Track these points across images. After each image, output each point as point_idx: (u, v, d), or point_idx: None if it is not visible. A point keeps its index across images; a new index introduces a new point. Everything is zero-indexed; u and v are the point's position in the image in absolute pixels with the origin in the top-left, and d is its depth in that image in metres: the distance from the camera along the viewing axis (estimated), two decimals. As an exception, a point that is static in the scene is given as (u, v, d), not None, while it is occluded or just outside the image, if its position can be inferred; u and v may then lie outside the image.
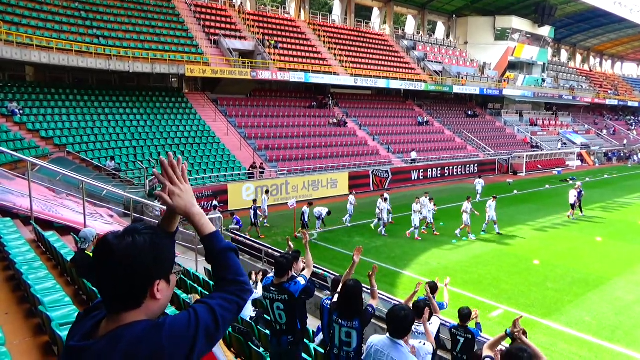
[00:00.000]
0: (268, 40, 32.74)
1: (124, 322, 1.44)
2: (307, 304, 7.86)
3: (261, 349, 5.53)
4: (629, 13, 55.03)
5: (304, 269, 5.46)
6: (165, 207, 1.74)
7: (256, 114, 30.21)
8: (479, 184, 25.32)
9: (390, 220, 19.00)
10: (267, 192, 20.78)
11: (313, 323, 7.25)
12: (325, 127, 32.06)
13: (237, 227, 16.97)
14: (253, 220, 17.53)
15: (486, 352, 4.02)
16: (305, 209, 17.81)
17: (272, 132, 29.00)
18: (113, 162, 20.81)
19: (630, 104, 63.98)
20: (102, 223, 10.72)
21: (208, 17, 32.03)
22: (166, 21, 29.30)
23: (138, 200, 14.72)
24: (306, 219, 17.62)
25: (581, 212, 21.47)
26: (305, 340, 5.40)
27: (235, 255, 1.71)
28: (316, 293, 9.26)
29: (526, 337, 3.98)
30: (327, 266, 12.58)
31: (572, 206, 21.17)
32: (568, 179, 33.51)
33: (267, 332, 5.67)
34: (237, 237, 14.62)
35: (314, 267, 10.37)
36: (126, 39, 26.17)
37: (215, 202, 18.89)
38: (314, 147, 29.18)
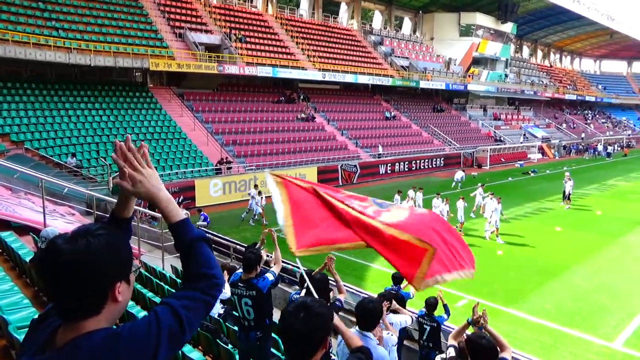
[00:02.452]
0: (235, 34, 32.33)
1: (82, 331, 1.33)
2: (276, 299, 7.87)
3: (229, 346, 5.50)
4: (586, 10, 57.08)
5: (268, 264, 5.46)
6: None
7: (223, 109, 29.82)
8: (459, 174, 27.24)
9: None
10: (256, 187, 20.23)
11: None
12: (293, 122, 31.98)
13: (205, 223, 16.75)
14: (260, 211, 18.38)
15: (451, 341, 4.15)
16: None
17: (240, 127, 28.72)
18: (74, 158, 20.16)
19: (587, 98, 66.55)
20: (64, 222, 10.39)
21: (173, 9, 31.33)
22: (129, 13, 28.49)
23: (101, 198, 14.34)
24: None
25: (569, 200, 22.45)
26: (273, 335, 5.40)
27: (206, 245, 1.58)
28: (285, 288, 9.28)
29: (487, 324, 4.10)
30: (295, 260, 12.58)
31: (568, 196, 22.22)
32: (530, 172, 34.63)
33: (236, 328, 5.64)
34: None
35: (283, 261, 10.36)
36: (87, 32, 25.31)
37: (180, 199, 18.61)
38: (282, 142, 29.08)
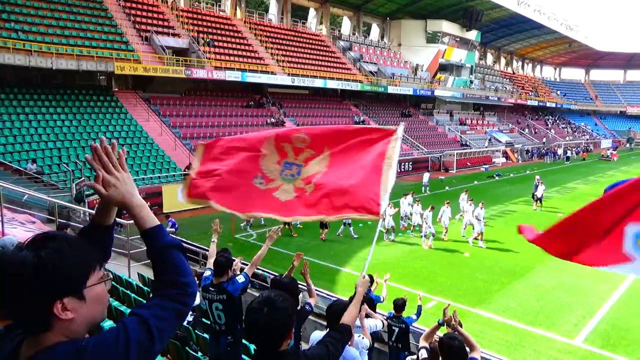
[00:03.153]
0: (203, 38, 32.00)
1: (43, 345, 1.27)
2: (245, 305, 7.79)
3: (199, 354, 5.41)
4: (547, 20, 59.20)
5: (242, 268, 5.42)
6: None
7: (191, 114, 29.43)
8: (426, 177, 27.88)
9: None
10: None
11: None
12: (262, 127, 31.84)
13: (173, 230, 16.45)
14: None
15: (422, 343, 4.22)
16: None
17: (209, 132, 28.37)
18: (35, 164, 19.46)
19: (548, 104, 68.95)
20: (23, 230, 10.00)
21: (139, 12, 30.75)
22: (93, 16, 27.78)
23: (63, 205, 13.90)
24: None
25: (537, 202, 23.21)
26: (244, 341, 5.35)
27: (180, 253, 1.54)
28: (255, 293, 9.19)
29: (461, 327, 4.20)
30: (267, 266, 12.50)
31: (539, 199, 22.97)
32: (494, 175, 35.55)
33: (206, 336, 5.57)
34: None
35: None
36: (48, 34, 24.52)
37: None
38: (252, 147, 28.85)
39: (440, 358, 3.86)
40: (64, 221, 12.01)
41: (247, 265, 5.60)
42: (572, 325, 10.31)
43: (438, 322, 4.49)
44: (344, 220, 17.21)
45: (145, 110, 27.30)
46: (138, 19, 30.09)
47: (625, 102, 77.01)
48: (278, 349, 2.01)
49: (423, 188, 27.24)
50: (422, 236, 16.52)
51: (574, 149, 54.67)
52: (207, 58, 30.27)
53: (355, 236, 17.23)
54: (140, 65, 26.16)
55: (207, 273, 5.09)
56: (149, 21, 30.45)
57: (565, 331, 10.03)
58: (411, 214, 18.04)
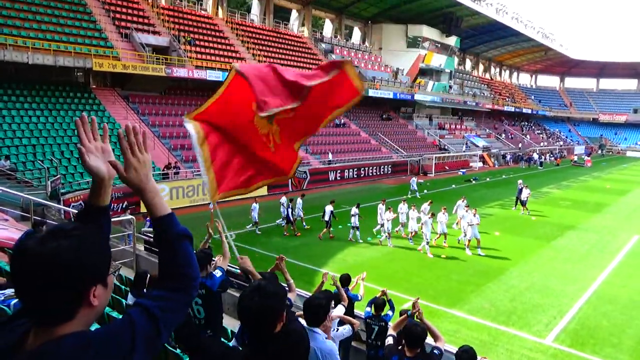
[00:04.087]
0: (184, 37, 31.76)
1: (53, 336, 1.25)
2: (226, 305, 7.81)
3: (178, 350, 5.43)
4: (524, 28, 60.62)
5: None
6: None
7: (171, 113, 29.16)
8: (413, 182, 27.85)
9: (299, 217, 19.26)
10: (302, 195, 19.83)
11: (232, 323, 7.22)
12: (243, 127, 31.71)
13: (150, 229, 16.29)
14: (290, 218, 17.98)
15: (390, 331, 4.50)
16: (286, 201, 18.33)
17: (188, 132, 28.09)
18: (8, 161, 19.05)
19: (524, 110, 70.49)
20: (-3, 227, 9.80)
21: (119, 9, 30.35)
22: (71, 11, 27.31)
23: (38, 202, 13.66)
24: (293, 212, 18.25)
25: (522, 207, 23.60)
26: (223, 340, 5.39)
27: (190, 244, 1.52)
28: (234, 293, 9.22)
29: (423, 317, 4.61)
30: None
31: (523, 203, 23.31)
32: (471, 179, 36.18)
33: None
34: (151, 239, 14.06)
35: (233, 267, 10.30)
36: (24, 28, 24.00)
37: (124, 204, 18.02)
38: (232, 147, 28.74)
39: (403, 342, 4.20)
40: (39, 219, 11.82)
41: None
42: (543, 325, 10.62)
43: (407, 313, 4.77)
44: (351, 225, 17.30)
45: (123, 108, 26.94)
46: (118, 16, 29.70)
47: (597, 109, 79.25)
48: (272, 331, 2.10)
49: (410, 193, 27.18)
50: (425, 244, 15.95)
51: (548, 154, 56.02)
52: (188, 57, 30.05)
53: (360, 240, 17.29)
54: (120, 62, 25.82)
55: (219, 274, 5.10)
56: (129, 18, 30.07)
57: (537, 331, 10.33)
58: (407, 220, 17.80)
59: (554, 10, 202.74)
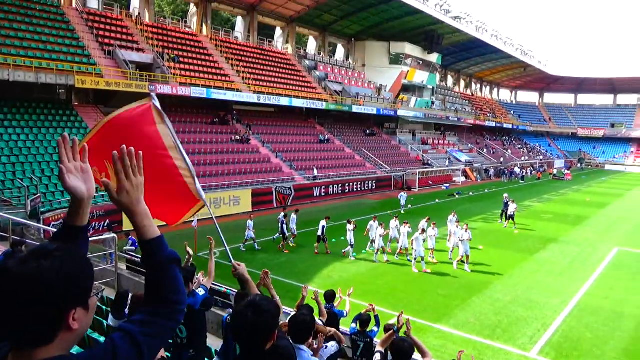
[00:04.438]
0: (168, 54, 31.77)
1: None
2: (210, 324, 7.71)
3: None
4: (503, 45, 62.03)
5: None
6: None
7: (155, 129, 28.95)
8: (402, 197, 27.66)
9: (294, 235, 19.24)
10: (297, 211, 19.79)
11: (216, 343, 7.12)
12: (227, 144, 31.71)
13: (133, 248, 16.05)
14: (285, 233, 18.07)
15: (378, 348, 4.50)
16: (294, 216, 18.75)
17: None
18: (-13, 180, 18.67)
19: (505, 125, 71.78)
20: (-26, 248, 9.58)
21: (102, 26, 30.28)
22: (54, 28, 27.16)
23: (17, 222, 13.39)
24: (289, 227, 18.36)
25: (509, 221, 23.74)
26: (206, 359, 5.32)
27: (178, 267, 1.51)
28: (218, 312, 9.12)
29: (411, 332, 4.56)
30: (230, 284, 12.40)
31: (512, 217, 23.49)
32: (455, 193, 36.55)
33: (167, 354, 5.49)
34: (133, 259, 13.85)
35: (217, 285, 10.19)
36: (6, 45, 23.76)
37: (106, 223, 17.76)
38: (215, 164, 28.68)
39: (390, 358, 4.23)
40: (18, 238, 11.57)
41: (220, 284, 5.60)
42: (527, 338, 10.69)
43: (394, 329, 4.76)
44: (349, 241, 17.20)
45: (106, 125, 26.67)
46: (101, 33, 29.62)
47: (576, 124, 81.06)
48: (263, 349, 2.10)
49: (402, 209, 27.10)
50: (412, 260, 15.96)
51: (529, 168, 56.98)
52: (172, 74, 30.04)
53: (353, 258, 17.22)
54: (103, 79, 25.68)
55: (202, 292, 5.06)
56: (113, 35, 30.02)
57: (522, 344, 10.39)
58: (398, 236, 17.68)
59: (533, 27, 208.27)
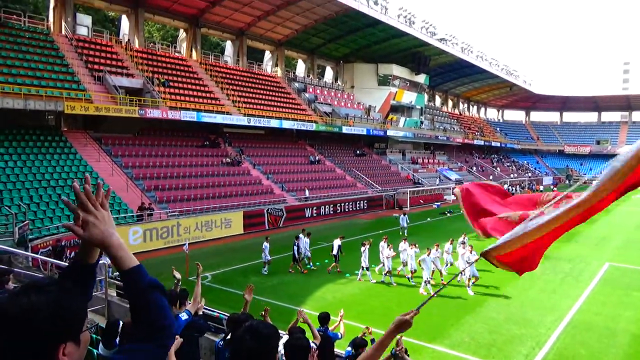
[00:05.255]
0: (158, 79, 31.95)
1: None
2: (202, 349, 7.58)
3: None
4: (488, 65, 63.28)
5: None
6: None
7: (144, 154, 28.94)
8: (403, 219, 26.74)
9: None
10: (308, 234, 19.42)
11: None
12: (218, 167, 31.70)
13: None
14: (296, 256, 17.82)
15: None
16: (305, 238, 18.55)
17: (162, 172, 27.93)
18: (-26, 207, 18.41)
19: (493, 144, 72.67)
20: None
21: (92, 52, 30.47)
22: (43, 55, 27.27)
23: (4, 250, 13.17)
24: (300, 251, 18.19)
25: None
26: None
27: (160, 294, 1.51)
28: (211, 337, 8.98)
29: (407, 355, 4.51)
30: (223, 309, 12.23)
31: None
32: (446, 212, 36.67)
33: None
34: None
35: (210, 310, 10.06)
36: (-6, 72, 23.80)
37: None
38: (206, 186, 28.60)
39: None
40: (5, 267, 11.37)
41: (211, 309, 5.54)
42: (522, 357, 10.63)
43: (391, 352, 4.71)
44: (363, 262, 16.80)
45: (96, 151, 26.63)
46: (91, 59, 29.78)
47: (562, 141, 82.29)
48: None
49: (402, 231, 25.97)
50: (424, 282, 15.67)
51: (517, 186, 57.49)
52: (162, 98, 30.16)
53: (373, 281, 16.85)
54: (92, 104, 25.70)
55: (184, 317, 5.00)
56: (102, 61, 30.18)
57: (517, 363, 10.32)
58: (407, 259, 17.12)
59: (518, 48, 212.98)
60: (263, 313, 4.88)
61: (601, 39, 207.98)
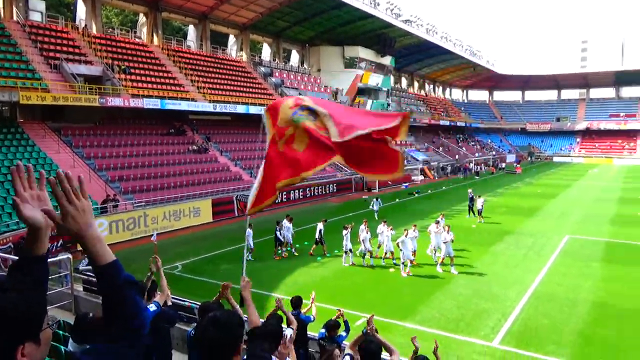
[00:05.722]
0: (118, 65, 30.91)
1: None
2: (174, 340, 7.55)
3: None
4: (452, 46, 64.05)
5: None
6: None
7: (107, 144, 28.10)
8: (376, 203, 27.18)
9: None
10: (291, 219, 19.01)
11: (181, 358, 6.98)
12: (184, 155, 31.15)
13: (89, 267, 15.49)
14: (281, 240, 18.18)
15: (347, 350, 4.58)
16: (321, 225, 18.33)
17: (127, 162, 27.22)
18: None
19: (459, 124, 74.04)
20: None
21: (47, 39, 29.13)
22: (-7, 42, 25.93)
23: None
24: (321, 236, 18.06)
25: (477, 215, 24.81)
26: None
27: (135, 290, 1.48)
28: (183, 327, 8.94)
29: (378, 333, 4.66)
30: (194, 298, 12.17)
31: (479, 212, 24.47)
32: (414, 192, 37.33)
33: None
34: (90, 279, 13.37)
35: (181, 300, 10.00)
36: (-61, 62, 22.49)
37: (60, 242, 17.05)
38: (173, 175, 28.09)
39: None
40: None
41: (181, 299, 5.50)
42: (489, 329, 11.05)
43: (362, 331, 4.86)
44: (345, 246, 16.83)
45: (55, 142, 25.68)
46: (46, 46, 28.49)
47: (524, 119, 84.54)
48: None
49: (376, 215, 25.84)
50: (400, 264, 15.93)
51: (482, 164, 58.98)
52: (123, 86, 29.24)
53: (365, 264, 16.80)
54: (49, 94, 24.68)
55: (153, 308, 4.95)
56: (59, 48, 28.93)
57: (484, 335, 10.73)
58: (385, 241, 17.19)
59: (481, 28, 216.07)
60: (277, 304, 5.04)
61: (560, 18, 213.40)
